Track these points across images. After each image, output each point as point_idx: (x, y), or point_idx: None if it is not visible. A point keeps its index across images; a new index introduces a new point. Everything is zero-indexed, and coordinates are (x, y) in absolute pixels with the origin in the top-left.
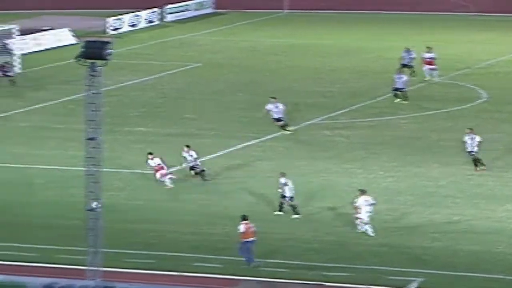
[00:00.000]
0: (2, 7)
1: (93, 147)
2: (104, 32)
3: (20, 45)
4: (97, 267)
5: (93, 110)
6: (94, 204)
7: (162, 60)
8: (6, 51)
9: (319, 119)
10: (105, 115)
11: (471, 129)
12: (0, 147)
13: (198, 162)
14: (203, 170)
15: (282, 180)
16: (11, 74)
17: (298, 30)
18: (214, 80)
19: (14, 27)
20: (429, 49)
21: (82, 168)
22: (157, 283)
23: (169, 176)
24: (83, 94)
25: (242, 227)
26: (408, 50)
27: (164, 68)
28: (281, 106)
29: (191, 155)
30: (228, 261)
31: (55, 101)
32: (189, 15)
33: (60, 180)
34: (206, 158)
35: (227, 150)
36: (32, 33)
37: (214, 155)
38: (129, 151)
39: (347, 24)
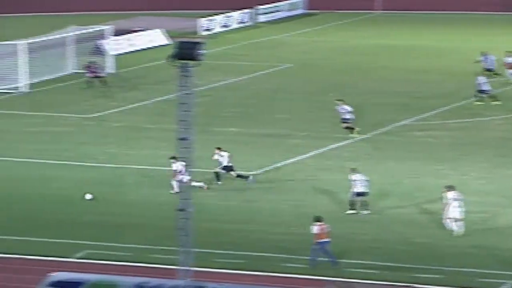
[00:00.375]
0: (97, 8)
1: (185, 147)
2: (196, 32)
3: (114, 45)
4: (188, 267)
5: (185, 111)
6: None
7: (254, 61)
8: (99, 51)
9: (410, 120)
10: (197, 115)
11: None
12: (94, 147)
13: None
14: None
15: (353, 176)
16: (101, 74)
17: (389, 30)
18: (305, 81)
19: (108, 27)
20: (509, 53)
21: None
22: (245, 283)
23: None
24: (175, 95)
25: (315, 228)
26: (485, 54)
27: (256, 69)
28: (348, 108)
29: (222, 156)
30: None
31: (147, 101)
32: (281, 16)
33: (152, 180)
34: (298, 158)
35: (319, 151)
36: (126, 33)
37: (306, 155)
38: None
39: (438, 24)
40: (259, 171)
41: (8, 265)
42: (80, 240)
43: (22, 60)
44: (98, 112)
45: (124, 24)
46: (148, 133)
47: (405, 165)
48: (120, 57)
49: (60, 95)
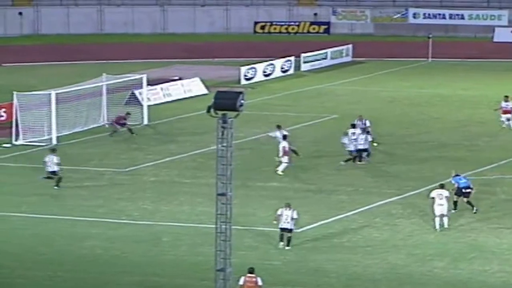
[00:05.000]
0: (133, 56)
1: (224, 203)
2: (236, 82)
3: (149, 95)
4: None
5: (223, 164)
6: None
7: (297, 111)
8: (134, 101)
9: (465, 174)
10: (236, 169)
11: None
12: (129, 203)
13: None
14: None
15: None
16: (127, 123)
17: (442, 79)
18: None
19: (143, 76)
20: (506, 98)
21: (212, 226)
22: None
23: None
24: (213, 148)
25: (242, 280)
26: None
27: (299, 120)
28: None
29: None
30: None
31: (184, 155)
32: (325, 64)
33: (189, 238)
34: (344, 215)
35: (366, 208)
36: (162, 83)
37: (352, 212)
38: (262, 207)
39: (497, 73)
40: (303, 229)
41: None
42: None
43: (51, 111)
44: (133, 166)
45: (159, 73)
46: (184, 188)
47: (458, 222)
48: (155, 108)
49: (92, 148)
